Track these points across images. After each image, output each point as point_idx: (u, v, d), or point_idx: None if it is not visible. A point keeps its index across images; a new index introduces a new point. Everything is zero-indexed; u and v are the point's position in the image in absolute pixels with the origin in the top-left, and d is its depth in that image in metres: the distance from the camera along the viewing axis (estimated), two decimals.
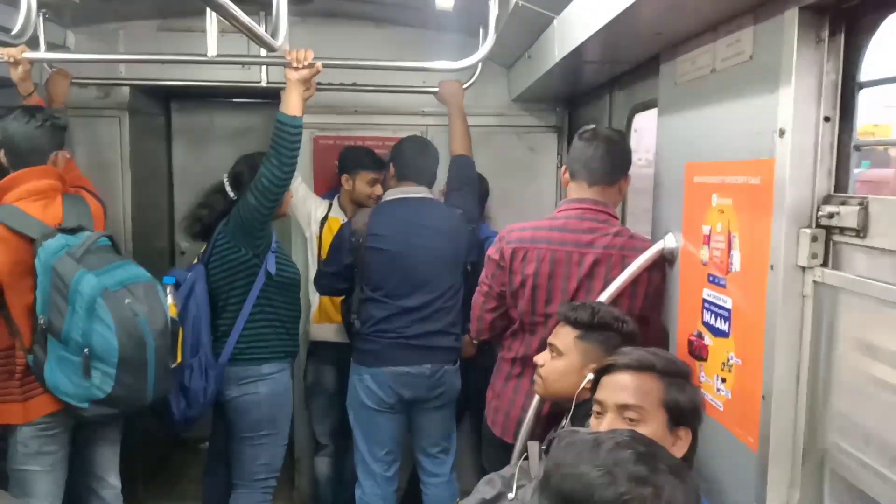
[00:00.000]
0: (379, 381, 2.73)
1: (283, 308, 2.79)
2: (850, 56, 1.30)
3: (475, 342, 2.94)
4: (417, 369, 2.74)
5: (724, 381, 1.68)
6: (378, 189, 3.19)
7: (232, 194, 2.69)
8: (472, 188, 3.01)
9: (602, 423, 1.46)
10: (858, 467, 1.28)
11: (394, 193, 2.83)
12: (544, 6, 2.25)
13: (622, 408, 1.44)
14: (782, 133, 1.38)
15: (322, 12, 3.32)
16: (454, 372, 2.85)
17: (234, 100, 4.26)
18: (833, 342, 1.36)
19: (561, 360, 1.79)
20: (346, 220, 3.29)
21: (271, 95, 3.31)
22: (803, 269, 1.37)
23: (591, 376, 1.62)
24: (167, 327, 2.31)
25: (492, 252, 2.14)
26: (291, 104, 2.50)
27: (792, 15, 1.33)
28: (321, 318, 3.37)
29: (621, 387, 1.46)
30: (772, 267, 1.43)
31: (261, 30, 1.57)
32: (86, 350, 2.13)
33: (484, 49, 2.56)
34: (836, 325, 1.35)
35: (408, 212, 2.76)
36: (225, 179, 2.73)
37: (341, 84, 3.26)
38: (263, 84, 3.11)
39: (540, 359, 1.86)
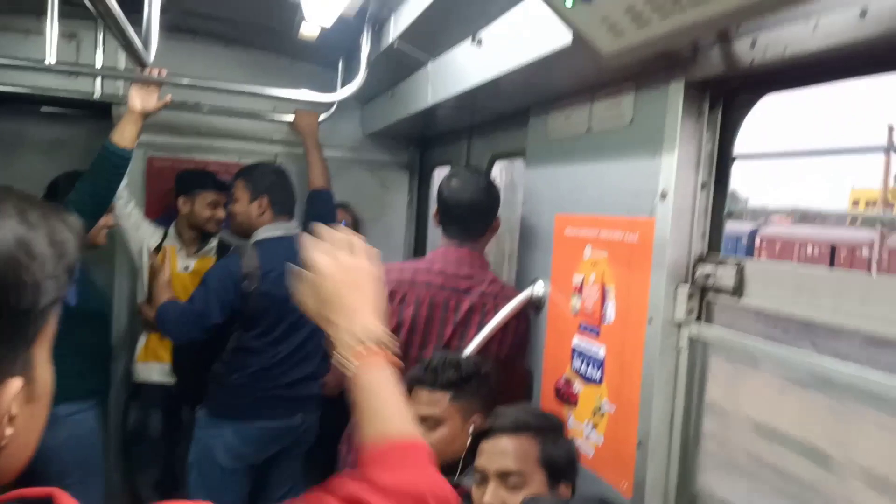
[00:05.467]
0: (244, 437, 2.50)
1: (87, 342, 2.50)
2: (727, 129, 1.44)
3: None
4: (288, 422, 2.56)
5: (594, 426, 1.74)
6: (220, 212, 2.97)
7: None
8: (332, 223, 2.92)
9: (486, 493, 1.45)
10: None
11: (274, 230, 2.59)
12: (421, 48, 2.25)
13: (504, 475, 1.45)
14: (664, 196, 1.48)
15: (167, 25, 3.07)
16: (317, 420, 2.71)
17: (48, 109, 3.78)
18: (705, 393, 1.46)
19: (441, 428, 1.71)
20: (182, 248, 3.04)
21: (98, 108, 3.00)
22: (679, 323, 1.47)
23: (474, 427, 1.61)
24: None
25: None
26: (126, 135, 2.30)
27: (677, 87, 1.45)
28: (147, 357, 3.05)
29: (501, 452, 1.47)
30: (649, 320, 1.52)
31: (139, 43, 1.40)
32: None
33: (354, 84, 2.52)
34: (708, 377, 1.45)
35: (289, 250, 2.58)
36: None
37: (184, 102, 3.02)
38: (97, 96, 2.79)
39: None
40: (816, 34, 1.11)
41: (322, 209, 2.90)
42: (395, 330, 1.98)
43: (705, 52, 1.35)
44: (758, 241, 13.93)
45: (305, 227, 2.83)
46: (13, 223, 0.60)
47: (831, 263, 12.59)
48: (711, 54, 1.34)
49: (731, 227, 15.49)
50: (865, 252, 12.43)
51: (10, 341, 0.62)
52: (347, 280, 1.03)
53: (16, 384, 0.63)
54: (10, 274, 0.59)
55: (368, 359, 0.96)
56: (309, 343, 2.59)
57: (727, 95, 1.41)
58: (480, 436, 1.53)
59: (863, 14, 1.02)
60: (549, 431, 1.53)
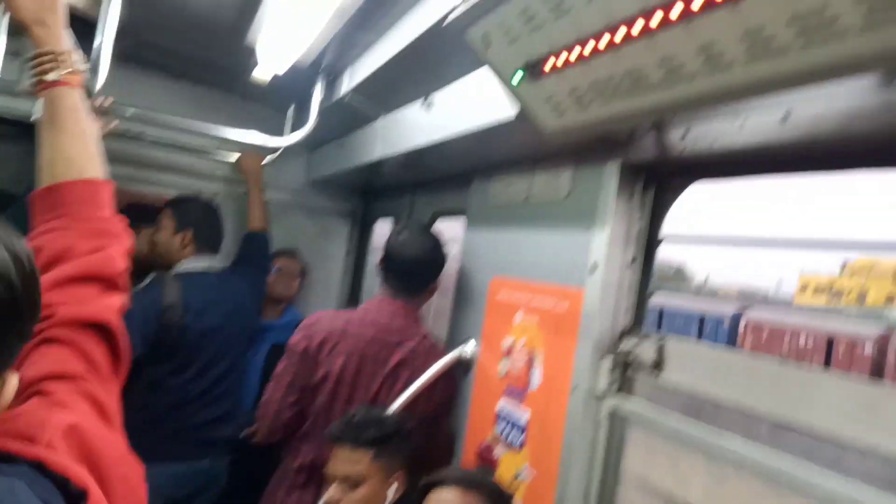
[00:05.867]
0: (148, 479, 2.35)
1: None
2: (657, 211, 1.51)
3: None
4: (196, 465, 2.44)
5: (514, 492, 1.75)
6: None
7: None
8: (265, 266, 2.89)
9: None
10: None
11: (196, 264, 2.55)
12: (373, 103, 2.30)
13: None
14: (594, 269, 1.53)
15: (117, 54, 3.02)
16: (226, 466, 2.59)
17: None
18: (623, 464, 1.49)
19: (362, 488, 1.66)
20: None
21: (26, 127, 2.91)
22: (601, 394, 1.50)
23: (395, 485, 1.58)
24: None
25: (296, 341, 2.01)
26: None
27: (612, 167, 1.52)
28: None
29: (449, 502, 1.44)
30: (573, 389, 1.55)
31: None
32: None
33: (303, 131, 2.53)
34: (627, 449, 1.48)
35: (211, 286, 2.52)
36: None
37: (126, 131, 2.96)
38: (35, 118, 2.70)
39: (335, 494, 1.65)
40: (742, 132, 1.20)
41: (256, 250, 2.86)
42: (323, 380, 1.95)
43: (640, 137, 1.43)
44: (742, 325, 12.46)
45: (235, 266, 2.79)
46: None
47: (827, 361, 10.79)
48: (646, 140, 1.42)
49: (712, 307, 14.14)
50: (868, 349, 10.49)
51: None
52: None
53: (14, 379, 0.65)
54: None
55: (77, 77, 1.11)
56: (223, 382, 2.51)
57: (659, 179, 1.49)
58: (429, 486, 1.50)
59: (785, 118, 1.11)
60: (500, 498, 1.51)
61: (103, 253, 1.00)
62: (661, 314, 13.93)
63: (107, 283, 0.98)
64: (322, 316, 2.04)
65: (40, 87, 1.11)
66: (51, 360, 0.83)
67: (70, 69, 1.11)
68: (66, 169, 1.06)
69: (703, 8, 0.83)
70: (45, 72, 1.09)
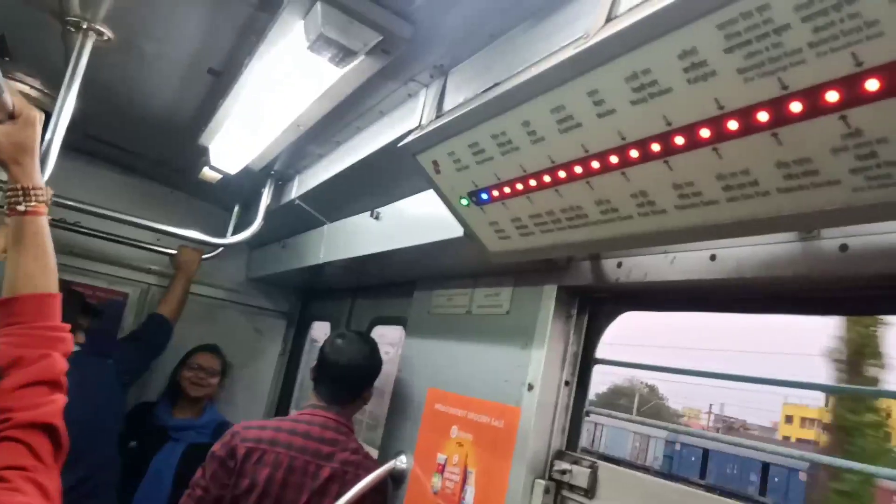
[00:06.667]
0: None
1: None
2: (591, 334, 1.56)
3: None
4: None
5: None
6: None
7: None
8: (153, 352, 2.79)
9: None
10: None
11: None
12: (321, 209, 2.33)
13: None
14: (531, 388, 1.56)
15: (63, 143, 3.01)
16: None
17: None
18: None
19: None
20: None
21: None
22: None
23: None
24: None
25: (219, 449, 1.92)
26: None
27: (550, 290, 1.58)
28: None
29: None
30: None
31: None
32: None
33: (247, 232, 2.54)
34: None
35: (79, 371, 2.39)
36: None
37: (62, 220, 2.90)
38: None
39: None
40: (674, 267, 1.28)
41: (153, 334, 2.80)
42: (247, 492, 1.86)
43: (578, 264, 1.50)
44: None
45: (123, 341, 2.69)
46: None
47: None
48: (583, 267, 1.49)
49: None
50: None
51: None
52: (37, 132, 1.32)
53: None
54: None
55: (43, 207, 1.29)
56: (91, 480, 2.32)
57: (594, 304, 1.56)
58: None
59: (712, 258, 1.19)
60: None
61: (50, 359, 1.17)
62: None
63: (52, 384, 1.16)
64: (249, 424, 1.97)
65: (10, 213, 1.27)
66: (8, 455, 1.03)
67: (37, 202, 1.29)
68: (25, 284, 1.23)
69: (639, 159, 0.91)
70: (16, 203, 1.27)
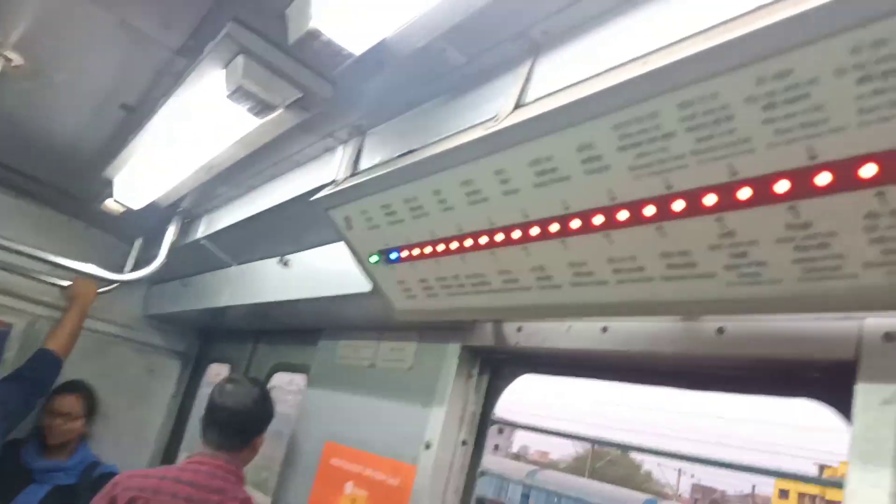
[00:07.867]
0: None
1: None
2: (490, 395, 1.59)
3: None
4: None
5: None
6: None
7: None
8: (39, 391, 2.59)
9: None
10: None
11: None
12: (226, 252, 2.29)
13: None
14: (428, 446, 1.56)
15: None
16: None
17: None
18: None
19: None
20: None
21: None
22: None
23: None
24: None
25: (99, 499, 1.81)
26: None
27: (454, 349, 1.61)
28: None
29: None
30: None
31: None
32: None
33: (149, 269, 2.45)
34: None
35: None
36: None
37: None
38: None
39: None
40: (569, 335, 1.33)
41: (40, 371, 2.60)
42: None
43: (482, 325, 1.54)
44: None
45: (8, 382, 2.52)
46: None
47: None
48: (486, 329, 1.53)
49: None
50: None
51: None
52: None
53: None
54: None
55: None
56: None
57: (494, 366, 1.59)
58: None
59: (604, 330, 1.26)
60: None
61: None
62: None
63: None
64: (133, 474, 1.87)
65: None
66: None
67: None
68: None
69: (539, 237, 0.97)
70: None
